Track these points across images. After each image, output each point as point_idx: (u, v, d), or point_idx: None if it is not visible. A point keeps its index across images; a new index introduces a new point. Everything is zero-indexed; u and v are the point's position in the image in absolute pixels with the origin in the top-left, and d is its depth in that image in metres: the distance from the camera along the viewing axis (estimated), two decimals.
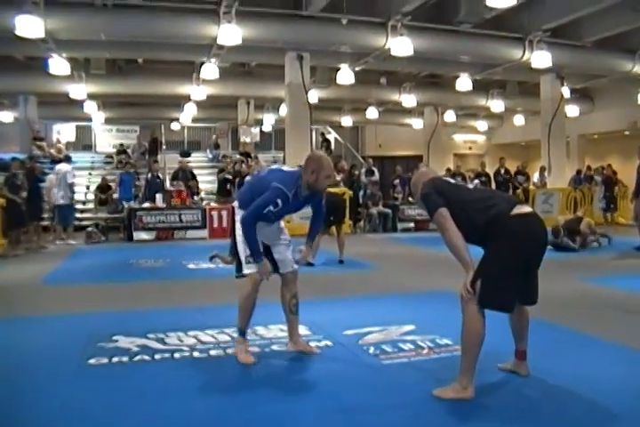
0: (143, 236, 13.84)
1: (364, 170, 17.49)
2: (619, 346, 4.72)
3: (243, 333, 4.57)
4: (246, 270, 4.45)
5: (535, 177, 17.76)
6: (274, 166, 4.87)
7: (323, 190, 4.50)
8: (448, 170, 18.14)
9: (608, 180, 17.08)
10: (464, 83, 17.66)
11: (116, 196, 14.90)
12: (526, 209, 3.72)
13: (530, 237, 3.65)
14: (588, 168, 18.41)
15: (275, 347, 4.80)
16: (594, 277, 8.11)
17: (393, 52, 13.78)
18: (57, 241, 13.29)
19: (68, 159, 14.50)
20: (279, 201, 4.29)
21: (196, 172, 17.03)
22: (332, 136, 22.91)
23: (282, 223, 4.74)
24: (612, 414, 3.40)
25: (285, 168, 4.67)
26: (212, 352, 4.69)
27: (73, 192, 14.00)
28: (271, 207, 4.28)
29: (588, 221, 11.53)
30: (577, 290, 7.22)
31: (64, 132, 22.62)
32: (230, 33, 12.40)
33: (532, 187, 17.48)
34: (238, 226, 4.44)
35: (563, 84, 17.58)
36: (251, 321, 4.58)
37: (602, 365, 4.27)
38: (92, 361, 4.44)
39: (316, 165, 4.36)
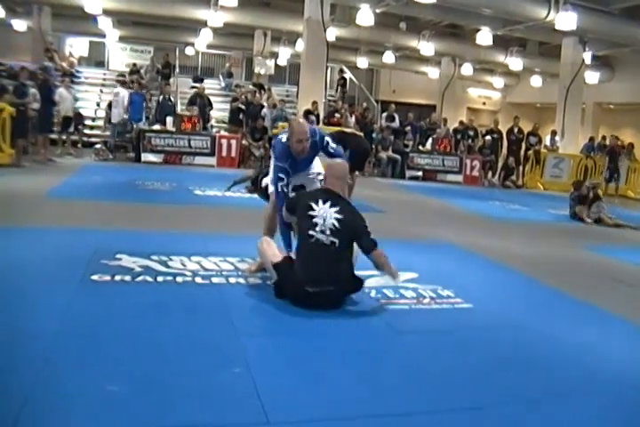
0: (151, 158, 13.78)
1: (385, 114, 17.28)
2: (608, 315, 4.79)
3: None
4: (264, 183, 5.30)
5: (547, 140, 17.57)
6: (282, 135, 4.90)
7: (297, 154, 4.69)
8: (461, 123, 17.88)
9: (612, 150, 16.90)
10: (484, 37, 17.45)
11: (125, 116, 14.77)
12: None
13: None
14: (603, 138, 18.19)
15: None
16: (599, 247, 8.09)
17: None
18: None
19: (124, 84, 15.39)
20: (282, 175, 4.68)
21: None
22: (347, 76, 22.60)
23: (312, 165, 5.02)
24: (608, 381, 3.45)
25: (285, 138, 4.77)
26: (215, 280, 4.70)
27: (127, 113, 14.53)
28: (281, 174, 4.68)
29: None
30: (581, 259, 7.22)
31: (77, 47, 22.21)
32: None
33: (543, 149, 17.28)
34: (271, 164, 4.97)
35: (585, 50, 17.27)
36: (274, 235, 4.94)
37: (595, 334, 4.32)
38: (94, 277, 4.44)
39: (289, 131, 4.72)
